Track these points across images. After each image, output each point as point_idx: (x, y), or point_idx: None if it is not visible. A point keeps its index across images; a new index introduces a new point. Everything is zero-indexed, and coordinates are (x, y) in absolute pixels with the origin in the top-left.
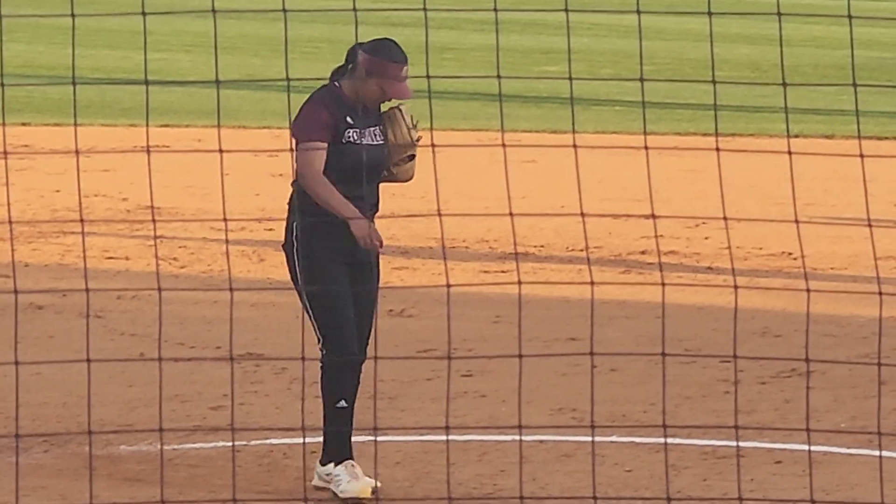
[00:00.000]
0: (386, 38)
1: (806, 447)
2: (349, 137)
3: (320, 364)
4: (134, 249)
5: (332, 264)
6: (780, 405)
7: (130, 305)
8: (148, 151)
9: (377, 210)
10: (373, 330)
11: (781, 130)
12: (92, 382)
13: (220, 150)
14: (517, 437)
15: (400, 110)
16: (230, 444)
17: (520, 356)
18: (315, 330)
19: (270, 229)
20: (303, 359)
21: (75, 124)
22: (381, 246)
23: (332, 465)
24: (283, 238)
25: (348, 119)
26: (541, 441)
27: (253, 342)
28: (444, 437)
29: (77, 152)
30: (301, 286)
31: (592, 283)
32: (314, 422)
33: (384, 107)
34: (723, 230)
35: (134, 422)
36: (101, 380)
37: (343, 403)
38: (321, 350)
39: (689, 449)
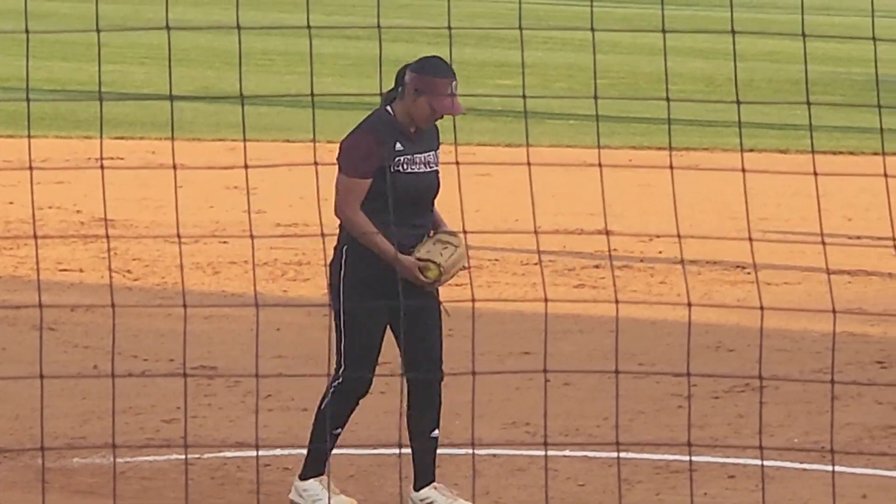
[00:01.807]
0: (433, 56)
1: (758, 461)
2: (399, 164)
3: (332, 386)
4: (88, 262)
5: (375, 293)
6: (734, 420)
7: (84, 318)
8: (102, 166)
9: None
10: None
11: (735, 145)
12: (45, 395)
13: (174, 167)
14: (470, 451)
15: (443, 237)
16: (183, 456)
17: (473, 373)
18: (339, 354)
19: (225, 242)
20: (256, 375)
21: (29, 136)
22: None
23: (311, 480)
24: (331, 256)
25: (399, 146)
26: (494, 455)
27: (206, 355)
28: (397, 451)
29: (31, 166)
30: (337, 307)
31: (546, 300)
32: (268, 435)
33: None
34: (677, 244)
35: (87, 434)
36: (55, 392)
37: (339, 430)
38: (338, 374)
39: (642, 463)
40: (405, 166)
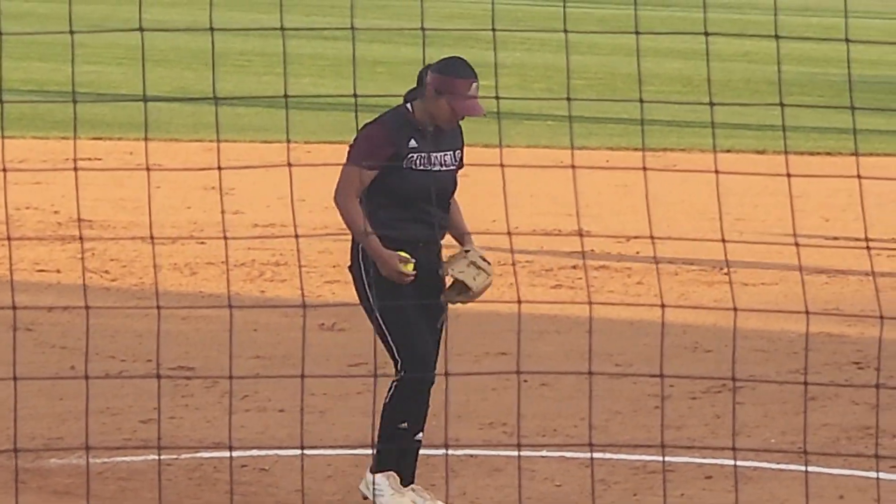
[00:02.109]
0: (455, 56)
1: (737, 462)
2: (412, 162)
3: (394, 383)
4: (65, 262)
5: (402, 285)
6: (711, 420)
7: (61, 318)
8: (76, 167)
9: (445, 232)
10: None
11: (712, 145)
12: (21, 395)
13: (147, 168)
14: (447, 451)
15: (465, 254)
16: (161, 457)
17: (446, 374)
18: (391, 352)
19: (202, 243)
20: (231, 377)
21: (2, 136)
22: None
23: (380, 475)
24: (348, 260)
25: (413, 143)
26: (471, 455)
27: (184, 356)
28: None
29: (4, 168)
30: (373, 307)
31: (520, 301)
32: (245, 435)
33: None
34: (655, 245)
35: (64, 435)
36: (31, 393)
37: (405, 426)
38: (397, 371)
39: (619, 464)
40: (418, 164)
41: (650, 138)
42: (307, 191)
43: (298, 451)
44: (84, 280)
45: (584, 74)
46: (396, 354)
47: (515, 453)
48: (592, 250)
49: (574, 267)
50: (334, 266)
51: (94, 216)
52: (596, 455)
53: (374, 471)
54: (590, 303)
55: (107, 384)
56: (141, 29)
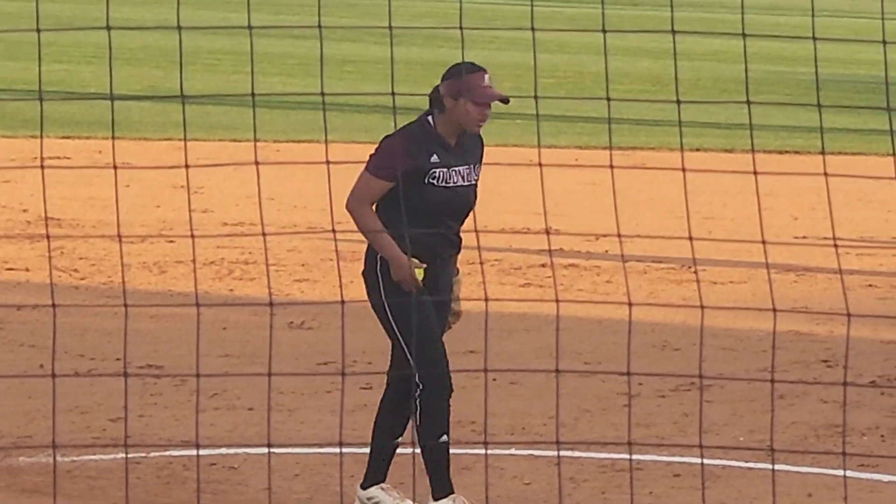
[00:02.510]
0: (458, 62)
1: (705, 460)
2: (434, 177)
3: (417, 402)
4: (34, 261)
5: (420, 296)
6: (679, 418)
7: (30, 317)
8: (42, 165)
9: (460, 249)
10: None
11: (680, 144)
12: None
13: (115, 167)
14: (414, 450)
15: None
16: (129, 455)
17: (415, 372)
18: (407, 358)
19: (171, 241)
20: (198, 375)
21: None
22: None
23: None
24: (364, 265)
25: (435, 157)
26: None
27: (153, 354)
28: (347, 450)
29: None
30: (389, 317)
31: (487, 299)
32: (214, 434)
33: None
34: (624, 243)
35: (33, 433)
36: (0, 391)
37: (445, 438)
38: (416, 382)
39: (587, 462)
40: (440, 180)
41: (619, 137)
42: (276, 189)
43: (267, 450)
44: (52, 279)
45: (553, 73)
46: (414, 362)
47: (484, 451)
48: (561, 249)
49: (543, 265)
50: (303, 264)
51: (62, 215)
52: (564, 453)
53: (437, 497)
54: (557, 301)
55: (76, 382)
56: (108, 27)
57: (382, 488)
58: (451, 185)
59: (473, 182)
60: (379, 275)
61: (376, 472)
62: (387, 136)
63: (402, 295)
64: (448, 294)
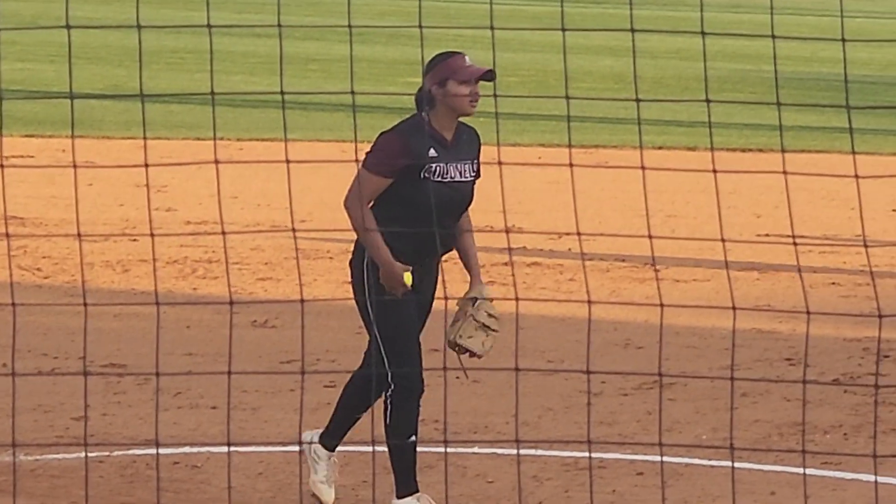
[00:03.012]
0: (436, 54)
1: (667, 458)
2: (430, 171)
3: (388, 401)
4: None
5: (403, 297)
6: (642, 416)
7: None
8: (2, 164)
9: (453, 246)
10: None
11: (645, 142)
12: None
13: (74, 165)
14: (378, 448)
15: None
16: (93, 454)
17: (374, 371)
18: (381, 355)
19: (135, 240)
20: (160, 373)
21: None
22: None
23: (409, 498)
24: (352, 254)
25: (432, 152)
26: None
27: (116, 353)
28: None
29: None
30: (369, 311)
31: (446, 298)
32: (177, 432)
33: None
34: (587, 241)
35: None
36: None
37: (413, 438)
38: (388, 381)
39: (550, 460)
40: (437, 174)
41: (582, 135)
42: (240, 188)
43: (227, 448)
44: (12, 277)
45: (516, 72)
46: (386, 360)
47: (448, 449)
48: (524, 247)
49: (505, 264)
50: (266, 263)
51: (26, 213)
52: (527, 452)
53: (401, 495)
54: (517, 299)
55: (39, 381)
56: (67, 26)
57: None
58: (448, 180)
59: (470, 178)
60: (365, 270)
61: (333, 435)
62: (383, 133)
63: (385, 293)
64: (431, 294)
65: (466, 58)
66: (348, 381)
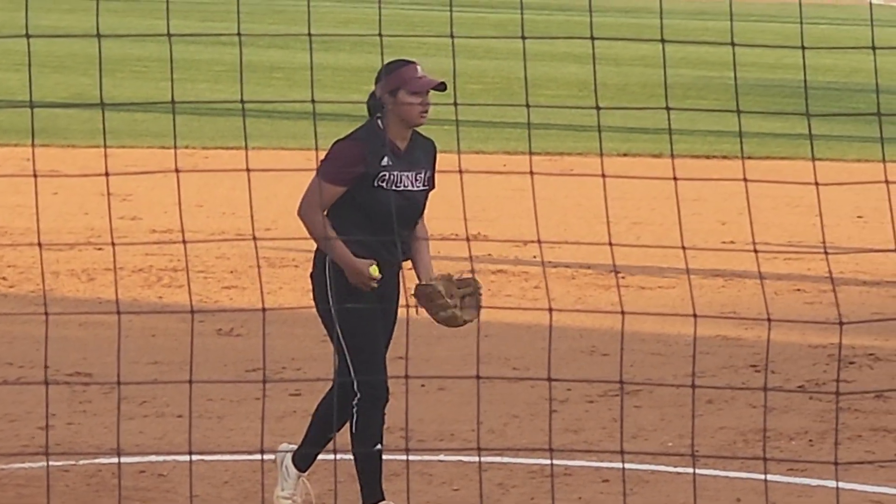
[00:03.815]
0: (388, 62)
1: (632, 466)
2: (383, 180)
3: (354, 409)
4: None
5: (364, 296)
6: (608, 424)
7: None
8: None
9: (409, 255)
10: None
11: (610, 149)
12: None
13: (35, 174)
14: (342, 456)
15: (433, 284)
16: (58, 463)
17: (335, 378)
18: (345, 365)
19: (100, 248)
20: (118, 382)
21: None
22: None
23: None
24: (312, 267)
25: (386, 160)
26: None
27: (82, 362)
28: (271, 456)
29: None
30: (333, 320)
31: (408, 306)
32: (143, 441)
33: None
34: (552, 249)
35: None
36: None
37: (379, 446)
38: (353, 390)
39: (516, 467)
40: (389, 183)
41: (547, 142)
42: (205, 196)
43: (196, 457)
44: None
45: (480, 79)
46: (352, 369)
47: (412, 457)
48: (489, 254)
49: (470, 271)
50: (231, 271)
51: None
52: (493, 459)
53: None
54: (484, 307)
55: (4, 390)
56: (27, 35)
57: (300, 476)
58: (401, 188)
59: (423, 188)
60: (327, 279)
61: (306, 456)
62: (338, 141)
63: (349, 301)
64: (394, 302)
65: (419, 67)
66: (321, 401)
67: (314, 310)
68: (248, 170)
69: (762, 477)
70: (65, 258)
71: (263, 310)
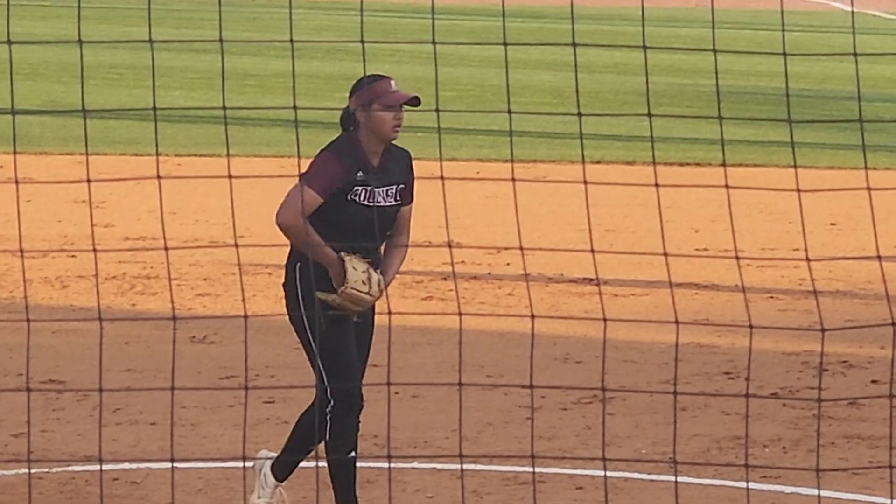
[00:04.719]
0: (362, 77)
1: (607, 473)
2: (356, 195)
3: (327, 417)
4: None
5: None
6: (582, 431)
7: None
8: None
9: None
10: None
11: (581, 156)
12: None
13: (16, 181)
14: (320, 464)
15: (353, 262)
16: (32, 470)
17: (315, 385)
18: (318, 372)
19: (73, 256)
20: (100, 389)
21: None
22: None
23: None
24: (283, 276)
25: (360, 175)
26: None
27: (55, 369)
28: (249, 464)
29: None
30: (305, 329)
31: (390, 312)
32: (117, 448)
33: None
34: (526, 256)
35: None
36: None
37: (353, 454)
38: (326, 397)
39: (490, 475)
40: (362, 197)
41: (521, 149)
42: (178, 203)
43: (170, 464)
44: None
45: (454, 86)
46: (325, 376)
47: (386, 465)
48: (463, 262)
49: (445, 278)
50: (205, 279)
51: None
52: (467, 466)
53: None
54: (459, 314)
55: None
56: (9, 42)
57: (277, 486)
58: (373, 204)
59: (396, 202)
60: (298, 286)
61: (285, 465)
62: (323, 150)
63: (321, 309)
64: (370, 315)
65: (392, 82)
66: (304, 411)
67: (287, 317)
68: (230, 176)
69: (736, 484)
70: (38, 265)
71: (245, 317)
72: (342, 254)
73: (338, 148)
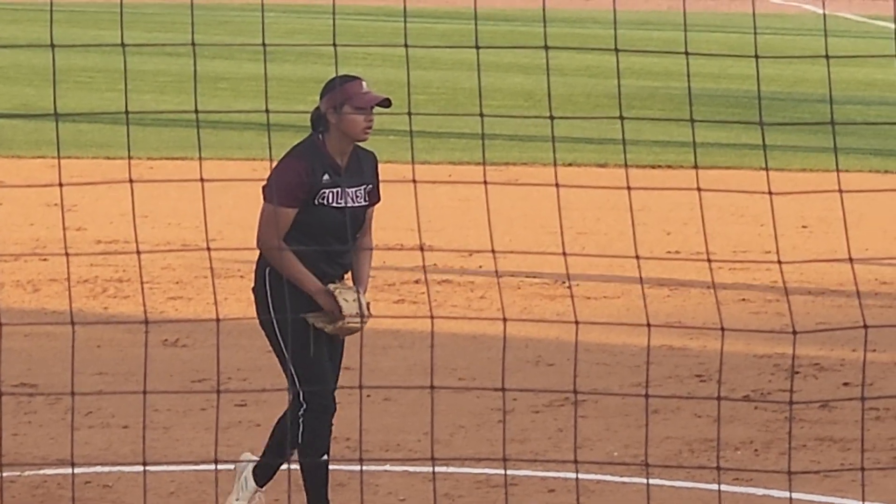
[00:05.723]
0: (333, 77)
1: (579, 475)
2: (325, 197)
3: (300, 420)
4: None
5: (306, 305)
6: (554, 434)
7: None
8: None
9: (349, 268)
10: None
11: (553, 160)
12: None
13: None
14: (293, 467)
15: (342, 293)
16: (4, 474)
17: (288, 389)
18: (290, 376)
19: (45, 259)
20: (72, 393)
21: None
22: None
23: None
24: (253, 281)
25: (326, 177)
26: None
27: (27, 373)
28: (227, 467)
29: None
30: (276, 333)
31: (363, 315)
32: (88, 451)
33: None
34: (498, 259)
35: None
36: None
37: (326, 457)
38: (299, 401)
39: (462, 478)
40: (331, 200)
41: (493, 152)
42: (150, 207)
43: (142, 468)
44: None
45: (426, 89)
46: (297, 379)
47: (358, 468)
48: (435, 265)
49: (416, 281)
50: (177, 282)
51: None
52: (439, 469)
53: None
54: (431, 317)
55: None
56: None
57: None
58: (342, 205)
59: (364, 203)
60: (268, 291)
61: (265, 470)
62: (282, 158)
63: (290, 312)
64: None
65: (363, 83)
66: (280, 418)
67: (258, 322)
68: (202, 180)
69: (708, 486)
70: (10, 269)
71: (217, 320)
72: (330, 286)
73: (302, 152)
